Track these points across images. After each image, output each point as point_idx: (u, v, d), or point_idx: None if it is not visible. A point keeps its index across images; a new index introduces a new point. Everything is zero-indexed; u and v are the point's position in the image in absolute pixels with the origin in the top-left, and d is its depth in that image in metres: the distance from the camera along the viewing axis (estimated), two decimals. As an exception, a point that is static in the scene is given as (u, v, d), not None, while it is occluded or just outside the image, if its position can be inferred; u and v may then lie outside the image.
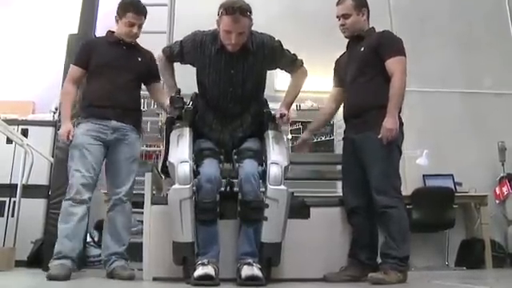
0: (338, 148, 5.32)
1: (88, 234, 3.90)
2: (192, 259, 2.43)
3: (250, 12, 2.55)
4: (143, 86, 3.14)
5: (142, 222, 2.85)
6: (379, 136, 2.60)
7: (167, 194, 2.53)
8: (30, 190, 3.96)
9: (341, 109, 3.02)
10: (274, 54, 2.73)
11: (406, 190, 4.03)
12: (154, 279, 2.68)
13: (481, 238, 4.79)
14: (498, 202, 5.22)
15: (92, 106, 2.90)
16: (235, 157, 2.69)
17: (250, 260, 2.41)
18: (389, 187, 2.62)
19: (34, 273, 3.22)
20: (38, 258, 3.64)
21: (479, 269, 4.64)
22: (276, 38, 2.75)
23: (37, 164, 3.98)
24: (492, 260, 4.69)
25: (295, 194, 2.73)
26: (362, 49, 2.80)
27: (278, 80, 4.62)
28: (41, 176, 4.29)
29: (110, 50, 2.99)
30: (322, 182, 4.35)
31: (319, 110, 5.51)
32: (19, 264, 3.66)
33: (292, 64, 2.81)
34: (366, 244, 2.74)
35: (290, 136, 5.35)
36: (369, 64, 2.76)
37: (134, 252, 3.00)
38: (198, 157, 2.61)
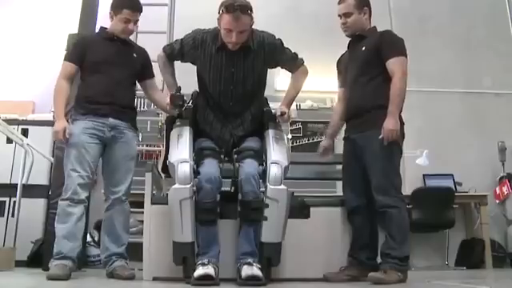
0: (338, 148, 5.34)
1: (88, 234, 3.91)
2: (192, 259, 2.43)
3: (251, 10, 2.55)
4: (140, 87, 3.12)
5: (142, 221, 2.84)
6: (380, 136, 2.60)
7: (167, 194, 2.52)
8: (30, 190, 3.97)
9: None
10: (275, 52, 2.73)
11: (406, 189, 4.03)
12: (154, 279, 2.68)
13: (481, 238, 4.80)
14: (498, 201, 5.23)
15: (89, 103, 2.86)
16: (235, 156, 2.68)
17: (250, 260, 2.40)
18: (389, 187, 2.62)
19: (34, 273, 3.22)
20: (38, 258, 3.65)
21: (479, 269, 4.65)
22: (277, 37, 2.75)
23: (37, 164, 3.99)
24: (492, 260, 4.70)
25: (295, 194, 2.74)
26: (363, 48, 2.79)
27: (279, 80, 4.63)
28: (41, 176, 4.30)
29: (106, 47, 2.96)
30: (322, 181, 4.37)
31: (319, 110, 5.57)
32: (19, 264, 3.66)
33: (292, 62, 2.81)
34: (366, 244, 2.74)
35: (290, 136, 5.36)
36: (370, 64, 2.75)
37: (134, 252, 3.00)
38: (198, 156, 2.61)
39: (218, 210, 2.51)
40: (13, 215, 3.94)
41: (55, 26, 5.15)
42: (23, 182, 3.83)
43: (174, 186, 2.44)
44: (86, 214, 2.97)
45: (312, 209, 2.83)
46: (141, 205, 2.82)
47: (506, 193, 5.14)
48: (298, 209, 2.77)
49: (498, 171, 5.29)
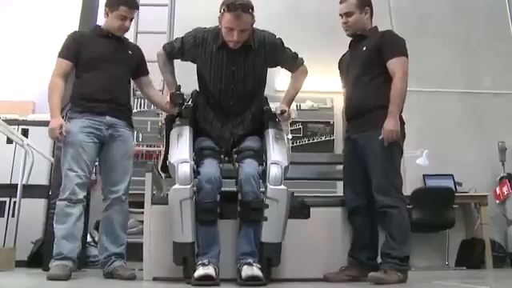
0: (338, 148, 5.35)
1: (88, 234, 3.91)
2: (192, 259, 2.42)
3: (252, 9, 2.55)
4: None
5: (142, 222, 2.84)
6: (380, 137, 2.60)
7: (167, 194, 2.52)
8: (31, 190, 3.97)
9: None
10: (275, 51, 2.73)
11: (407, 190, 4.03)
12: (154, 279, 2.68)
13: (481, 238, 4.80)
14: (498, 202, 5.23)
15: (86, 100, 2.83)
16: (235, 156, 2.68)
17: (250, 260, 2.40)
18: (390, 187, 2.62)
19: (34, 273, 3.21)
20: (38, 258, 3.65)
21: (479, 269, 4.64)
22: (277, 36, 2.75)
23: (37, 164, 3.99)
24: (492, 260, 4.70)
25: (295, 194, 2.74)
26: (364, 48, 2.79)
27: (279, 80, 4.63)
28: (41, 176, 4.30)
29: (102, 44, 2.93)
30: (322, 181, 4.37)
31: (319, 110, 5.57)
32: (19, 264, 3.66)
33: (293, 62, 2.82)
34: (366, 244, 2.73)
35: (290, 136, 5.36)
36: (371, 63, 2.75)
37: (134, 252, 2.99)
38: (198, 156, 2.61)
39: (218, 210, 2.51)
40: (13, 215, 3.94)
41: (55, 26, 5.13)
42: (23, 182, 3.83)
43: (174, 187, 2.44)
44: (86, 214, 2.98)
45: (312, 209, 2.83)
46: (141, 205, 2.81)
47: (506, 193, 5.14)
48: (298, 209, 2.77)
49: (498, 171, 5.29)
